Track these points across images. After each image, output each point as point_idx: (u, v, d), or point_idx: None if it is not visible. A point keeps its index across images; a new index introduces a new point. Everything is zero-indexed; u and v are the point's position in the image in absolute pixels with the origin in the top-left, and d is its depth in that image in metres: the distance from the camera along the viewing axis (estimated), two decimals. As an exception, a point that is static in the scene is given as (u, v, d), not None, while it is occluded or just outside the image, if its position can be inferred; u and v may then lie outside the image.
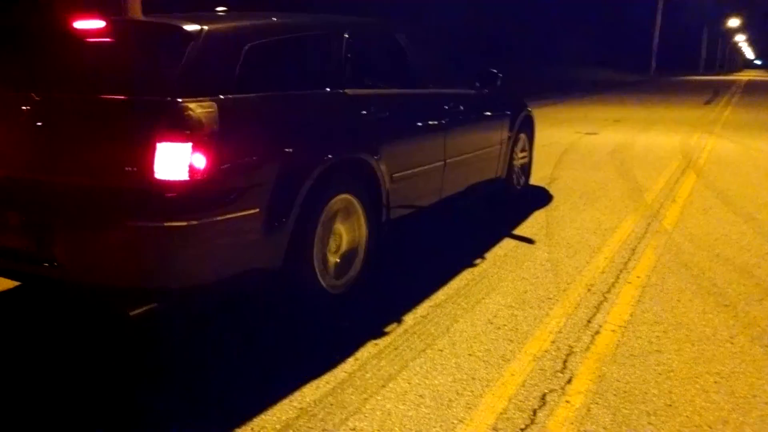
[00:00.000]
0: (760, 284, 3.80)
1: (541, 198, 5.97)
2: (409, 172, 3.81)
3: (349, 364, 2.79)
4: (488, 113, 5.09)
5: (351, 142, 3.30)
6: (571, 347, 2.97)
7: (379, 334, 3.08)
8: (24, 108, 2.68)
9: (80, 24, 2.79)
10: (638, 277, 3.90)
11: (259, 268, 2.83)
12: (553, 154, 8.44)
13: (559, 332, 3.13)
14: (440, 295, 3.58)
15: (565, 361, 2.83)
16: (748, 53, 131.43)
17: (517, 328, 3.17)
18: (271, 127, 2.86)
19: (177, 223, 2.43)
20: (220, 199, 2.56)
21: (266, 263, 2.84)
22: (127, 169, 2.47)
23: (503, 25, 25.09)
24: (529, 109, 6.03)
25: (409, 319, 3.26)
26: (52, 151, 2.65)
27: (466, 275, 3.91)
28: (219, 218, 2.56)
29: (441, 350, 2.93)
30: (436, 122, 4.17)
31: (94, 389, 2.59)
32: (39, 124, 2.68)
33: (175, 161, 2.43)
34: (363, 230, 3.44)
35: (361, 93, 3.51)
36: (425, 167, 4.03)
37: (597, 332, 3.13)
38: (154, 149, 2.42)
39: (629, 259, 4.21)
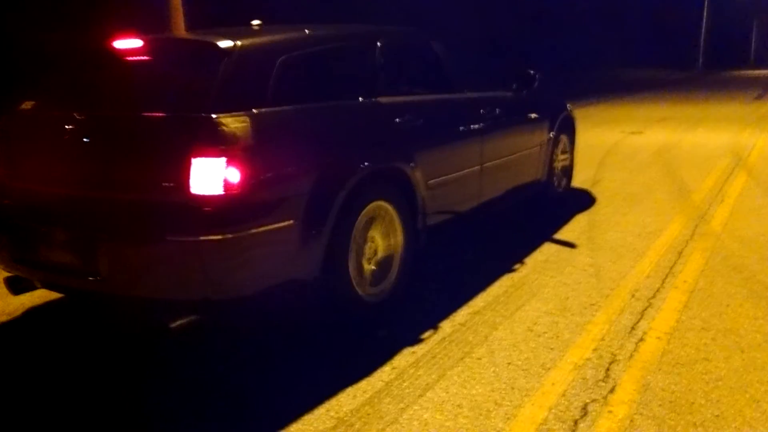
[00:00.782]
0: (815, 288, 3.65)
1: (583, 201, 5.86)
2: (445, 177, 3.78)
3: (386, 373, 2.77)
4: (526, 115, 5.02)
5: (385, 150, 3.29)
6: (614, 355, 2.89)
7: (417, 341, 3.06)
8: (67, 126, 2.75)
9: (117, 43, 2.87)
10: (685, 281, 3.78)
11: (296, 278, 2.85)
12: (596, 155, 8.28)
13: (602, 340, 3.05)
14: (479, 302, 3.54)
15: (607, 370, 2.76)
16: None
17: (557, 336, 3.11)
18: (306, 138, 2.88)
19: (213, 236, 2.46)
20: (255, 212, 2.59)
21: (303, 273, 2.86)
22: (165, 184, 2.52)
23: (536, 25, 24.63)
24: (570, 109, 5.93)
25: (446, 326, 3.24)
26: (94, 168, 2.72)
27: (506, 281, 3.86)
28: (255, 230, 2.58)
29: (479, 359, 2.89)
30: (472, 126, 4.13)
31: (133, 393, 2.66)
32: (81, 141, 2.75)
33: (210, 176, 2.47)
34: (399, 237, 3.43)
35: (395, 101, 3.51)
36: (462, 172, 3.99)
37: (641, 339, 3.04)
38: (189, 164, 2.47)
39: (676, 263, 4.09)
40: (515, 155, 4.80)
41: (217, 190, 2.48)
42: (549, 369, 2.79)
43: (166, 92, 2.77)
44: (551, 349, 2.98)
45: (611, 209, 5.52)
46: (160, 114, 2.63)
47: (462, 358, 2.90)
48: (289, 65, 2.90)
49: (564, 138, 5.80)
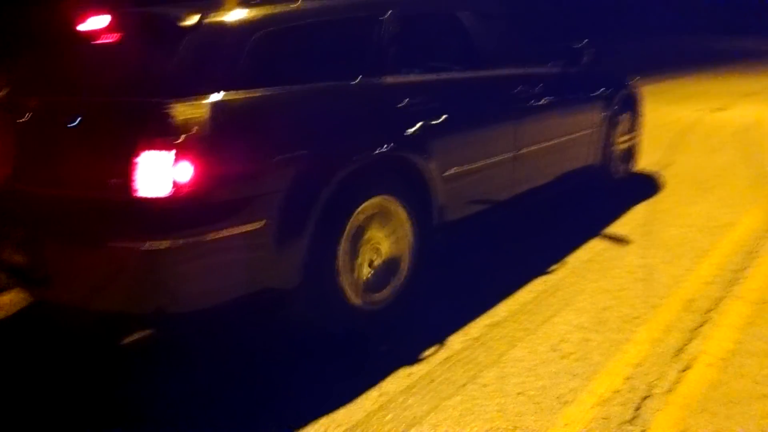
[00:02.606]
0: None
1: (645, 188, 5.20)
2: (467, 167, 3.31)
3: (370, 400, 2.38)
4: (575, 93, 4.45)
5: (387, 137, 2.85)
6: (651, 387, 2.39)
7: (416, 360, 2.65)
8: (20, 114, 2.50)
9: (73, 21, 2.57)
10: (753, 290, 3.18)
11: (272, 287, 2.49)
12: (669, 134, 7.48)
13: (639, 365, 2.55)
14: (501, 311, 3.08)
15: (638, 408, 2.26)
16: None
17: (586, 358, 2.62)
18: (282, 126, 2.50)
19: (160, 243, 2.13)
20: (214, 214, 2.25)
21: (280, 282, 2.50)
22: (111, 181, 2.22)
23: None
24: (633, 85, 5.28)
25: (456, 342, 2.80)
26: (43, 160, 2.46)
27: (537, 285, 3.37)
28: (213, 235, 2.24)
29: (485, 386, 2.45)
30: (503, 108, 3.64)
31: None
32: (35, 131, 2.49)
33: (157, 172, 2.14)
34: (407, 236, 3.01)
35: (405, 80, 3.06)
36: (489, 161, 3.51)
37: (688, 366, 2.52)
38: (134, 159, 2.15)
39: (744, 267, 3.47)
40: (561, 139, 4.26)
41: (166, 189, 2.15)
42: (566, 403, 2.32)
43: (123, 75, 2.46)
44: (574, 375, 2.50)
45: (676, 198, 4.86)
46: (108, 100, 2.32)
47: (464, 384, 2.47)
48: (266, 42, 2.51)
49: (625, 118, 5.17)
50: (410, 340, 2.81)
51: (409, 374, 2.55)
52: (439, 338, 2.82)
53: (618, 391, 2.37)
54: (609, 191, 5.04)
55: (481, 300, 3.19)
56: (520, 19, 4.34)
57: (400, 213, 2.96)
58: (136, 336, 2.27)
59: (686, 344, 2.69)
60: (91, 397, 2.46)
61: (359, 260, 2.80)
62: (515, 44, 4.09)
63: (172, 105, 2.18)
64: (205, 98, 2.25)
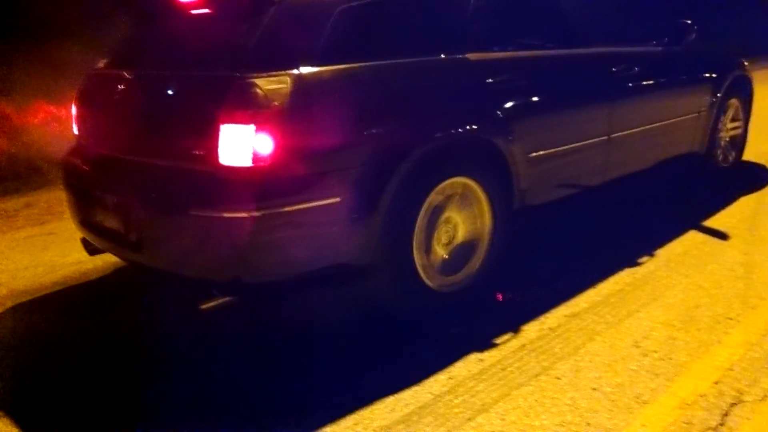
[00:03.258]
0: None
1: (755, 179, 4.83)
2: (553, 151, 3.17)
3: (439, 383, 2.35)
4: (677, 75, 4.17)
5: (467, 116, 2.77)
6: (741, 393, 2.22)
7: (488, 347, 2.59)
8: (116, 86, 2.62)
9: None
10: None
11: (344, 263, 2.50)
12: (785, 122, 6.88)
13: (730, 369, 2.37)
14: (582, 302, 2.96)
15: (725, 414, 2.11)
16: None
17: (670, 357, 2.47)
18: (362, 103, 2.47)
19: (238, 213, 2.18)
20: (291, 187, 2.27)
21: (353, 258, 2.50)
22: (196, 153, 2.30)
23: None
24: (744, 68, 4.88)
25: (531, 330, 2.72)
26: (135, 131, 2.57)
27: (625, 277, 3.21)
28: (289, 208, 2.26)
29: (559, 378, 2.36)
30: (597, 89, 3.46)
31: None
32: (128, 102, 2.60)
33: (237, 145, 2.19)
34: (486, 220, 2.93)
35: (489, 57, 2.94)
36: (578, 144, 3.35)
37: (786, 374, 2.32)
38: (217, 131, 2.21)
39: None
40: (660, 123, 4.01)
41: (245, 161, 2.19)
42: (645, 403, 2.19)
43: (210, 48, 2.51)
44: (656, 375, 2.36)
45: (788, 192, 4.49)
46: (195, 73, 2.39)
47: (537, 375, 2.38)
48: (350, 16, 2.49)
49: (734, 103, 4.82)
50: (484, 326, 2.75)
51: (481, 360, 2.50)
52: (513, 326, 2.74)
53: (703, 395, 2.21)
54: (712, 181, 4.71)
55: (562, 289, 3.07)
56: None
57: (480, 195, 2.88)
58: (215, 302, 2.33)
59: (786, 350, 2.48)
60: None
61: (435, 241, 2.76)
62: (612, 21, 3.88)
63: (253, 78, 2.21)
64: (287, 72, 2.27)
